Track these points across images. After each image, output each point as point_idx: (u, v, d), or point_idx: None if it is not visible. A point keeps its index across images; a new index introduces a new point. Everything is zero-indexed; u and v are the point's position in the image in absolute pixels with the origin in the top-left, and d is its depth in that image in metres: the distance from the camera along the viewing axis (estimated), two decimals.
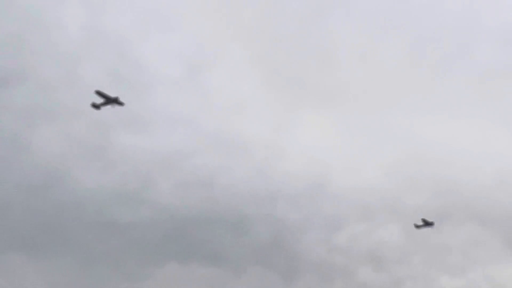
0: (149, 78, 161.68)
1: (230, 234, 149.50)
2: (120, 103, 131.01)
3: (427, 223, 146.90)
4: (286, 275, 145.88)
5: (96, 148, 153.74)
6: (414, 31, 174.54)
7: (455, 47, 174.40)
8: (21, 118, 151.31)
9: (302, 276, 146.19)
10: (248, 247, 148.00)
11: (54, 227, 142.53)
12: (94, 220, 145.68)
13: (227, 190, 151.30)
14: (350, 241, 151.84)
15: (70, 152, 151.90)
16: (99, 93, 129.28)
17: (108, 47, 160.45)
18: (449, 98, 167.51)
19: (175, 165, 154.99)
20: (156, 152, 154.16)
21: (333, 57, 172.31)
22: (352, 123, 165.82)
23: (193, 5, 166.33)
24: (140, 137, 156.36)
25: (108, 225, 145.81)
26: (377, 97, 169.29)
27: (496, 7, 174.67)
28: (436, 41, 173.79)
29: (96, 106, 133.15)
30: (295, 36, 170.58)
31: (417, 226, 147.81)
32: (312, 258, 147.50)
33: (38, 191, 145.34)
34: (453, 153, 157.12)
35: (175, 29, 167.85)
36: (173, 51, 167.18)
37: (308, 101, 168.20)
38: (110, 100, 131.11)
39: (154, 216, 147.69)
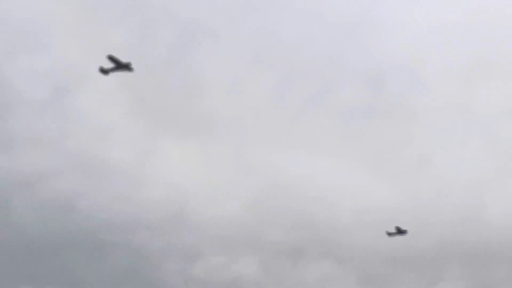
0: (12, 97, 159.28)
1: (88, 260, 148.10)
2: (131, 69, 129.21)
3: (400, 231, 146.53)
4: None
5: None
6: (282, 67, 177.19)
7: (320, 86, 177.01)
8: None
9: None
10: (106, 273, 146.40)
11: None
12: None
13: (87, 215, 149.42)
14: (208, 273, 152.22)
15: None
16: (111, 58, 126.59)
17: None
18: (312, 135, 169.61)
19: (34, 187, 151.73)
20: (15, 172, 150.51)
21: (200, 88, 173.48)
22: (216, 154, 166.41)
23: (62, 26, 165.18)
24: None
25: None
26: (242, 130, 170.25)
27: (361, 49, 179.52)
28: (303, 79, 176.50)
29: (104, 71, 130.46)
30: (164, 64, 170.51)
31: (389, 234, 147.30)
32: None
33: None
34: (313, 190, 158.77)
35: (42, 50, 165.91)
36: (39, 71, 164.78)
37: (174, 130, 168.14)
38: (121, 66, 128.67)
39: (9, 238, 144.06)
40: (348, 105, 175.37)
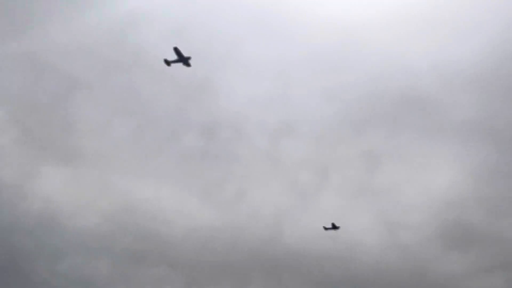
0: None
1: None
2: (189, 64, 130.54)
3: (334, 227, 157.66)
4: None
5: None
6: (139, 116, 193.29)
7: (168, 132, 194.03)
8: None
9: None
10: None
11: None
12: None
13: None
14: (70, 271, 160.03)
15: None
16: (176, 50, 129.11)
17: None
18: (159, 169, 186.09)
19: None
20: None
21: (76, 126, 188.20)
22: (84, 179, 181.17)
23: None
24: None
25: None
26: (106, 162, 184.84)
27: (200, 106, 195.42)
28: (155, 125, 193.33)
29: (167, 62, 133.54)
30: (48, 106, 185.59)
31: (326, 228, 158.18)
32: None
33: None
34: (156, 210, 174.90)
35: None
36: None
37: (51, 158, 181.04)
38: (182, 59, 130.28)
39: None
40: (188, 148, 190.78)
